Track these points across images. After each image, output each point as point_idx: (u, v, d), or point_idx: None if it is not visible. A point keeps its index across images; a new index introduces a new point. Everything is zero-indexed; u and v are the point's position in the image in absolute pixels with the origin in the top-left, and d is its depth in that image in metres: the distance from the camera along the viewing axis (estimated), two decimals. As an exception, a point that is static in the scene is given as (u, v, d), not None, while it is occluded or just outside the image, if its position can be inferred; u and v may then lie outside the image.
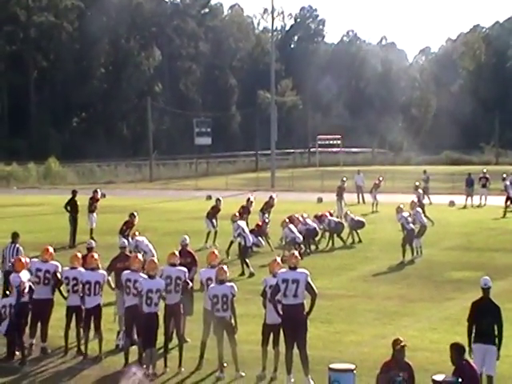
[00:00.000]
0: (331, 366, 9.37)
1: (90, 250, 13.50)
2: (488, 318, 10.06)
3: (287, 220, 21.33)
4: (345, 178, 31.58)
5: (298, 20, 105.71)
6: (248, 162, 70.05)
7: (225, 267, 11.51)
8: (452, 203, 34.59)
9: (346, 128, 78.73)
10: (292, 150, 75.26)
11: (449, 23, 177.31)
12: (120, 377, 9.98)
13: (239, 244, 19.33)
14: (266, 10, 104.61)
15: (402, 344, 8.49)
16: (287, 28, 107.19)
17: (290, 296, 10.64)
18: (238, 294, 11.34)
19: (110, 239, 20.60)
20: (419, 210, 21.82)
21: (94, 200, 25.09)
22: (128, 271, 11.91)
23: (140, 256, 12.56)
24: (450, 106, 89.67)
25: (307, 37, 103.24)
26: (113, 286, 12.88)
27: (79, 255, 12.94)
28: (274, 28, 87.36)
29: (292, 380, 10.76)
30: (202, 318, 11.86)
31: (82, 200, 25.06)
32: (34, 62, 74.57)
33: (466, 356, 8.87)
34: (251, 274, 17.96)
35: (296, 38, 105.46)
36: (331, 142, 73.38)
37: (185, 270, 11.92)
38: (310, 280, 10.80)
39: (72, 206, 23.96)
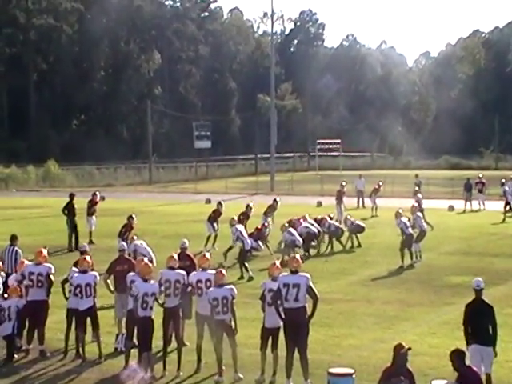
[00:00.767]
0: (330, 370, 9.35)
1: (82, 253, 13.54)
2: (482, 319, 10.17)
3: (286, 224, 21.35)
4: (344, 183, 31.54)
5: (298, 24, 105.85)
6: (247, 165, 70.08)
7: (223, 270, 11.50)
8: (451, 208, 34.60)
9: (346, 132, 78.80)
10: (291, 154, 75.32)
11: (448, 28, 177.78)
12: (122, 376, 9.93)
13: (240, 248, 19.33)
14: (265, 14, 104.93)
15: (407, 347, 8.44)
16: (287, 32, 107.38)
17: (292, 300, 10.63)
18: (236, 298, 11.33)
19: (110, 242, 20.60)
20: (419, 214, 21.81)
21: (92, 203, 25.08)
22: (133, 273, 11.90)
23: (146, 260, 12.55)
24: (449, 110, 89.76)
25: (307, 41, 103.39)
26: (112, 288, 12.87)
27: (88, 258, 12.97)
28: (274, 32, 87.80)
29: (291, 384, 10.74)
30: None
31: (81, 203, 25.07)
32: (34, 65, 74.65)
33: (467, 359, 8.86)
34: (250, 278, 17.95)
35: (296, 41, 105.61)
36: (331, 146, 73.44)
37: (184, 273, 11.91)
38: (311, 284, 10.79)
39: (69, 210, 23.95)
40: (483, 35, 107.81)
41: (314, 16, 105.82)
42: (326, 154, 74.90)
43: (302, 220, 22.39)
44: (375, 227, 26.92)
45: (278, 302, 10.77)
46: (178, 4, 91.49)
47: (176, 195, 46.53)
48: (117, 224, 21.07)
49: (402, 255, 20.03)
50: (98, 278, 12.36)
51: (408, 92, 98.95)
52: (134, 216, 20.10)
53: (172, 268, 11.83)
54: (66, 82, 73.57)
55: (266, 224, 23.07)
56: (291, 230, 20.98)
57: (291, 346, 10.72)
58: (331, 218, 23.66)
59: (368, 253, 22.51)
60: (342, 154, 72.93)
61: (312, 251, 22.07)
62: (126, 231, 19.49)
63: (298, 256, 11.37)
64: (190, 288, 12.03)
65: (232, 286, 11.34)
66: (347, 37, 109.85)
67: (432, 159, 72.26)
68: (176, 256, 12.19)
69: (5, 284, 12.99)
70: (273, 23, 62.63)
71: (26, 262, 12.93)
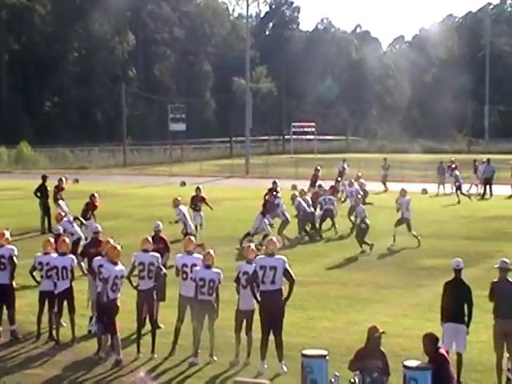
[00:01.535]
0: (304, 351, 9.40)
1: (57, 236, 13.42)
2: (460, 298, 10.41)
3: (296, 193, 21.80)
4: (319, 167, 31.56)
5: (273, 7, 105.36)
6: (222, 148, 69.89)
7: (211, 251, 11.44)
8: (424, 191, 34.86)
9: (321, 116, 78.86)
10: (266, 137, 75.25)
11: (422, 12, 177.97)
12: None
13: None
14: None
15: (381, 331, 8.52)
16: (262, 15, 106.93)
17: (268, 282, 10.67)
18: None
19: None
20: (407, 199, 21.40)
21: (59, 188, 24.69)
22: (100, 257, 11.84)
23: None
24: (423, 94, 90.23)
25: (282, 24, 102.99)
26: (85, 271, 12.80)
27: (52, 240, 12.83)
28: (249, 14, 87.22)
29: (265, 366, 10.79)
30: (175, 304, 11.83)
31: (53, 185, 24.81)
32: (6, 45, 73.49)
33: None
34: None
35: (271, 24, 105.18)
36: (305, 129, 73.48)
37: (158, 255, 11.87)
38: (287, 266, 10.82)
39: (42, 192, 23.74)
40: (456, 20, 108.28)
41: None
42: (300, 137, 74.94)
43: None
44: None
45: (254, 284, 10.79)
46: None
47: (151, 178, 46.30)
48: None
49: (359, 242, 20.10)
50: (75, 261, 12.28)
51: (383, 76, 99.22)
52: (96, 194, 19.99)
53: (146, 250, 11.78)
54: (38, 63, 72.52)
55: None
56: (300, 199, 21.54)
57: (266, 329, 10.76)
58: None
59: (342, 236, 22.63)
60: (317, 137, 73.03)
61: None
62: (88, 210, 19.32)
63: (274, 238, 11.39)
64: (163, 271, 12.00)
65: (220, 271, 11.31)
66: (322, 20, 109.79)
67: (406, 143, 72.68)
68: (150, 238, 12.14)
69: None
70: (248, 6, 62.29)
71: None
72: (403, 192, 21.36)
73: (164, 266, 12.39)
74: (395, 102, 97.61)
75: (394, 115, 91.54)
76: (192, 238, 12.52)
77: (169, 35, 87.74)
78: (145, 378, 6.47)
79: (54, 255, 12.31)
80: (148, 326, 11.81)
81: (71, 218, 17.03)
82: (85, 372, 10.86)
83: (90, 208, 19.51)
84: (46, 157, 56.89)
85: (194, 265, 11.53)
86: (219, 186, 40.55)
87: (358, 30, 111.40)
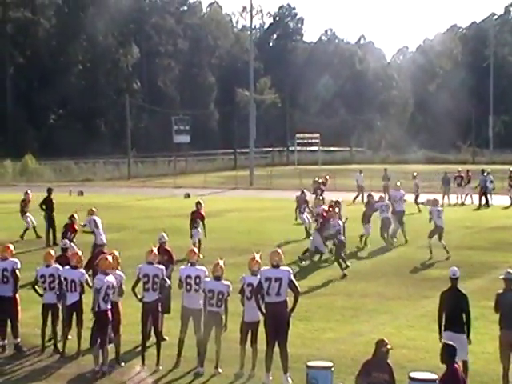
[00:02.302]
0: (309, 363, 9.38)
1: (64, 250, 13.47)
2: (457, 307, 10.42)
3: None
4: (328, 176, 31.90)
5: (277, 18, 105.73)
6: (226, 160, 69.98)
7: (221, 262, 11.39)
8: (429, 202, 34.76)
9: (325, 127, 78.94)
10: (270, 149, 75.33)
11: (426, 23, 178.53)
12: None
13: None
14: (244, 8, 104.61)
15: (389, 347, 8.45)
16: (266, 26, 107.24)
17: (273, 294, 10.63)
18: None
19: (86, 237, 20.42)
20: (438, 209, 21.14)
21: (26, 202, 24.84)
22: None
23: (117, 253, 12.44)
24: (427, 105, 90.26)
25: (286, 35, 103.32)
26: (90, 284, 12.80)
27: (52, 253, 12.85)
28: (253, 26, 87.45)
29: (270, 378, 10.75)
30: (179, 315, 11.81)
31: (60, 198, 24.89)
32: (11, 58, 73.85)
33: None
34: None
35: (275, 36, 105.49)
36: (309, 140, 73.54)
37: (162, 267, 11.85)
38: (292, 278, 10.81)
39: (47, 205, 23.76)
40: (460, 30, 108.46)
41: (293, 11, 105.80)
42: (304, 148, 74.99)
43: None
44: (356, 221, 26.96)
45: (259, 296, 10.78)
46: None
47: (155, 190, 46.37)
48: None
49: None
50: (86, 276, 12.27)
51: (386, 87, 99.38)
52: (75, 215, 19.50)
53: (151, 263, 11.78)
54: (43, 75, 72.88)
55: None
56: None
57: (271, 340, 10.73)
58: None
59: (346, 247, 22.57)
60: (321, 148, 73.07)
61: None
62: (67, 231, 18.66)
63: (279, 250, 11.38)
64: (168, 283, 11.99)
65: (229, 283, 11.29)
66: (326, 31, 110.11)
67: (410, 153, 72.67)
68: (155, 250, 12.15)
69: None
70: (252, 17, 62.39)
71: None
72: (434, 201, 21.23)
73: (168, 277, 12.39)
74: (399, 112, 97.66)
75: (398, 125, 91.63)
76: (195, 249, 12.51)
77: (173, 47, 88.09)
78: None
79: (59, 267, 12.34)
80: (153, 338, 11.80)
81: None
82: (89, 385, 10.85)
83: (68, 229, 18.83)
84: (51, 169, 57.04)
85: (198, 276, 11.50)
86: (223, 197, 40.59)
87: (362, 41, 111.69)
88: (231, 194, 43.19)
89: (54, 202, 23.90)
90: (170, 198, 39.90)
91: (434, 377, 8.44)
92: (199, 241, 20.68)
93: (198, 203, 21.04)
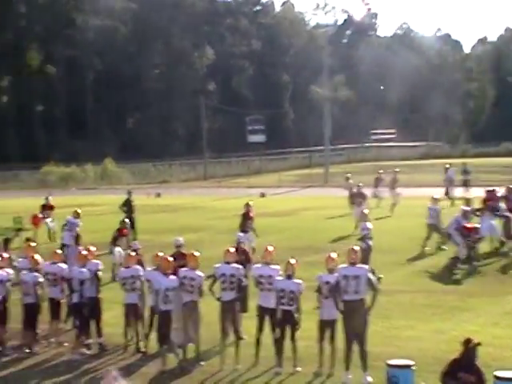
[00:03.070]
0: (389, 361, 9.22)
1: (135, 250, 13.97)
2: None
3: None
4: (381, 170, 31.46)
5: (351, 14, 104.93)
6: (301, 158, 69.78)
7: (292, 261, 11.39)
8: None
9: (401, 122, 77.77)
10: (346, 146, 74.71)
11: (507, 11, 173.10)
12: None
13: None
14: (317, 6, 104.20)
15: (475, 342, 8.20)
16: (339, 23, 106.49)
17: (351, 292, 10.57)
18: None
19: (165, 238, 20.77)
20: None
21: (47, 207, 25.03)
22: (185, 269, 11.99)
23: (197, 254, 12.59)
24: (508, 95, 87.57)
25: (360, 31, 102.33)
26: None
27: (133, 254, 13.18)
28: (326, 23, 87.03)
29: (349, 376, 10.65)
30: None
31: (139, 200, 25.32)
32: (91, 65, 75.87)
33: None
34: None
35: (349, 32, 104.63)
36: (385, 136, 72.58)
37: (239, 267, 11.91)
38: (370, 275, 10.69)
39: (128, 206, 24.22)
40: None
41: (367, 6, 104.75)
42: (380, 144, 74.03)
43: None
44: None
45: (337, 294, 10.69)
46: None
47: (230, 190, 46.67)
48: (172, 220, 21.22)
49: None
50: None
51: (465, 79, 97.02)
52: (126, 220, 19.93)
53: (228, 262, 11.84)
54: (121, 81, 74.59)
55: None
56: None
57: (350, 338, 10.63)
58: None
59: (426, 243, 22.12)
60: (397, 144, 71.97)
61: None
62: (118, 236, 18.84)
63: (356, 247, 11.26)
64: (245, 282, 12.03)
65: (301, 281, 11.26)
66: (401, 25, 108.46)
67: (491, 146, 70.69)
68: (233, 250, 12.20)
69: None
70: (325, 14, 62.15)
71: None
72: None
73: (245, 277, 12.43)
74: (478, 104, 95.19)
75: (478, 118, 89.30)
76: (271, 248, 12.47)
77: (247, 48, 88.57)
78: (116, 375, 6.45)
79: (140, 268, 12.69)
80: (232, 337, 11.86)
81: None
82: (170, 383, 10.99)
83: (120, 234, 19.02)
84: (130, 172, 58.33)
85: (270, 276, 11.47)
86: (298, 195, 40.48)
87: (439, 34, 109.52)
88: (306, 193, 43.04)
89: (133, 203, 24.36)
90: (244, 197, 39.99)
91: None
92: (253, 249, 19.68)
93: (248, 204, 20.15)
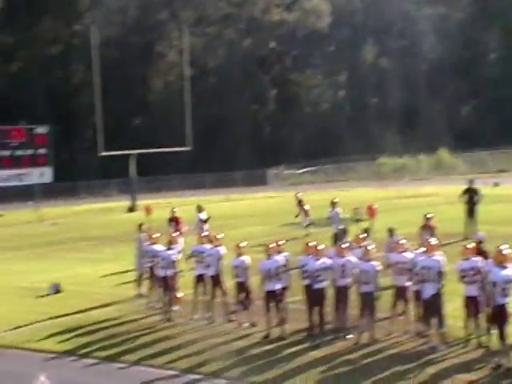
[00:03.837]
0: None
1: (479, 242, 13.25)
2: None
3: None
4: None
5: None
6: None
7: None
8: None
9: None
10: None
11: None
12: None
13: None
14: None
15: None
16: None
17: None
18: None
19: (506, 229, 19.64)
20: None
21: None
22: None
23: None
24: None
25: None
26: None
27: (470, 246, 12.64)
28: None
29: None
30: None
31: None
32: (423, 55, 75.51)
33: None
34: None
35: None
36: None
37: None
38: None
39: (470, 195, 22.96)
40: None
41: None
42: None
43: None
44: None
45: None
46: None
47: None
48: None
49: None
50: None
51: None
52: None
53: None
54: (455, 68, 72.76)
55: None
56: None
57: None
58: None
59: None
60: None
61: None
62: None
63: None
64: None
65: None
66: None
67: None
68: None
69: None
70: None
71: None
72: None
73: None
74: None
75: None
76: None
77: None
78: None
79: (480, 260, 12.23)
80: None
81: None
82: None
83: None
84: (464, 161, 56.94)
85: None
86: None
87: None
88: None
89: (477, 193, 22.95)
90: None
91: None
92: None
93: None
